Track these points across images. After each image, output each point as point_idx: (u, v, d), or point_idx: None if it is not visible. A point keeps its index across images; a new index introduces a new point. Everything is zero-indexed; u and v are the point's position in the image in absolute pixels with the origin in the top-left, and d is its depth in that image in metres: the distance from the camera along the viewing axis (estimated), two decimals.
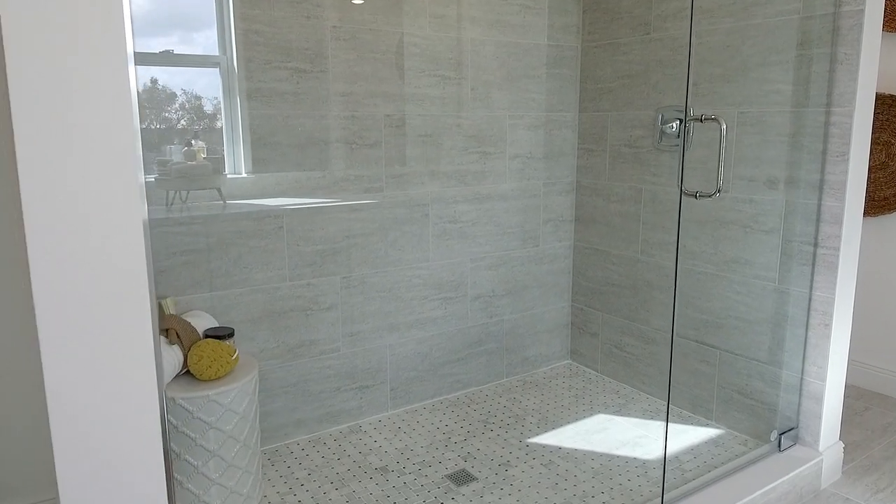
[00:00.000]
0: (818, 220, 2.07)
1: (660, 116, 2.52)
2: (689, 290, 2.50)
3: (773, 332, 2.23)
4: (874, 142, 2.82)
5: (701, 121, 1.82)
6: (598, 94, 2.79)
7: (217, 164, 2.30)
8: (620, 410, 2.62)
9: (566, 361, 3.11)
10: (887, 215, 2.83)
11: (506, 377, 2.90)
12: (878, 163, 2.83)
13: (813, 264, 2.10)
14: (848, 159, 1.98)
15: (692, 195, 1.87)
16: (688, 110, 2.21)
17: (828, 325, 2.08)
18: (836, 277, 2.04)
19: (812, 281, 2.11)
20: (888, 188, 2.80)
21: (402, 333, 2.55)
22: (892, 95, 2.73)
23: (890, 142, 2.78)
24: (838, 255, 2.03)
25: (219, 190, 2.29)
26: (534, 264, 2.90)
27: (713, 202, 2.36)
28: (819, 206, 2.07)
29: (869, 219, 2.89)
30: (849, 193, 2.00)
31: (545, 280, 2.95)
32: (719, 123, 1.74)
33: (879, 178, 2.82)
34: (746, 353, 2.32)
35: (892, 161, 2.78)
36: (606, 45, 2.74)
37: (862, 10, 1.92)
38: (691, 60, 2.16)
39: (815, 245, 2.09)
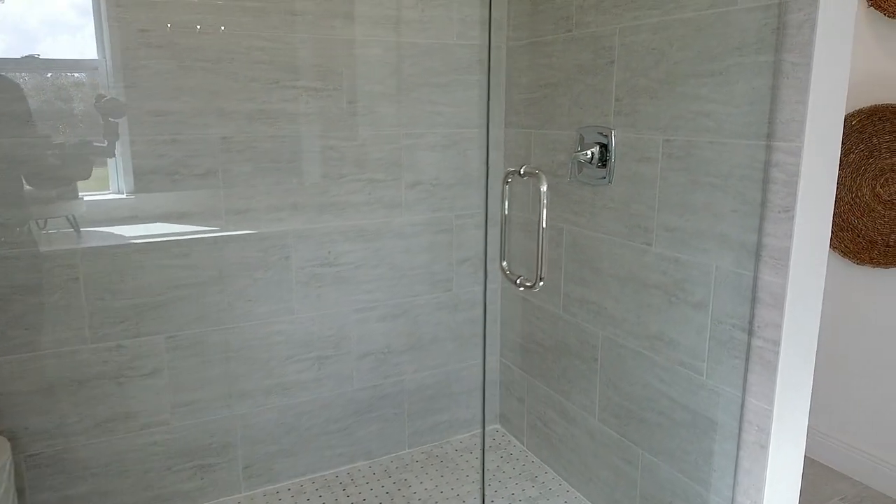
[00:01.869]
0: (753, 300, 1.47)
1: (579, 139, 1.94)
2: (610, 365, 1.93)
3: (699, 440, 1.64)
4: (892, 170, 2.13)
5: (521, 174, 1.26)
6: (523, 106, 2.23)
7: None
8: None
9: (494, 427, 2.58)
10: None
11: (408, 448, 2.41)
12: (894, 197, 2.14)
13: (746, 359, 1.50)
14: (793, 217, 1.37)
15: (513, 281, 1.32)
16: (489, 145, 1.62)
17: (763, 447, 1.48)
18: (774, 382, 1.44)
19: (745, 382, 1.51)
20: None
21: (257, 401, 2.10)
22: None
23: None
24: (778, 352, 1.42)
25: (68, 218, 1.90)
26: (446, 313, 2.38)
27: (636, 255, 1.78)
28: (755, 279, 1.46)
29: (881, 270, 2.20)
30: (795, 266, 1.38)
31: (462, 331, 2.43)
32: (539, 181, 1.18)
33: (895, 216, 2.14)
34: (670, 462, 1.74)
35: None
36: (529, 45, 2.17)
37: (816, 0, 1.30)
38: (492, 76, 1.59)
39: (750, 333, 1.48)
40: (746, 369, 1.50)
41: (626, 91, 1.77)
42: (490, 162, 2.35)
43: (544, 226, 1.19)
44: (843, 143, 2.23)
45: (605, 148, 1.84)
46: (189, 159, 1.88)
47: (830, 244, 2.30)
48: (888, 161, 2.14)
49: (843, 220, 2.27)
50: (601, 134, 1.85)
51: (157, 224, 1.90)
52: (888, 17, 2.06)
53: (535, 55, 2.14)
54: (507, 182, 1.28)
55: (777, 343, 1.42)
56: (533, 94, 2.17)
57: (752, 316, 1.47)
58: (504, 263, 1.35)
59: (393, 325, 2.28)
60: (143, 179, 1.84)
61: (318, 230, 2.09)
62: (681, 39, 1.59)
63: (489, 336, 2.49)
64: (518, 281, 1.27)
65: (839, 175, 2.26)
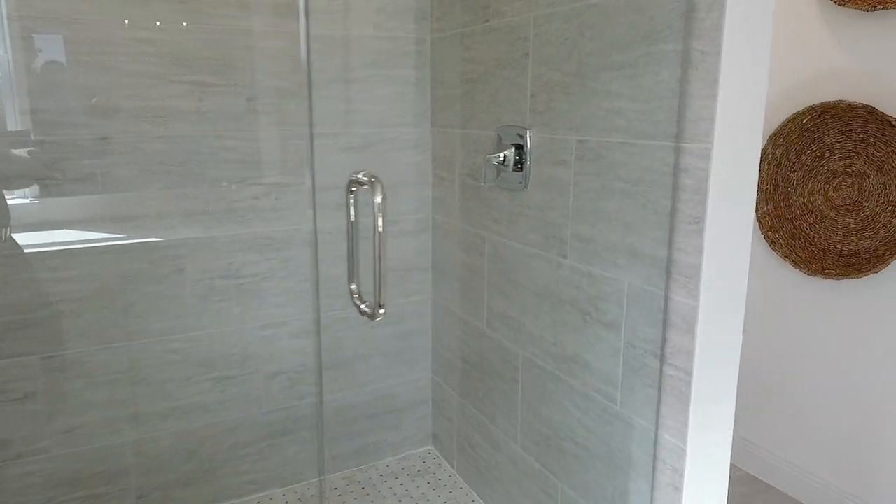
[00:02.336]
0: (665, 322, 1.29)
1: (497, 139, 1.77)
2: (530, 388, 1.75)
3: (614, 476, 1.47)
4: (845, 172, 1.96)
5: (360, 182, 1.09)
6: (447, 103, 2.06)
7: None
8: None
9: (426, 448, 2.40)
10: (857, 279, 1.97)
11: (329, 473, 2.23)
12: (848, 202, 1.96)
13: (659, 388, 1.33)
14: (703, 229, 1.19)
15: (357, 307, 1.15)
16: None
17: (678, 489, 1.30)
18: (686, 416, 1.26)
19: (658, 414, 1.33)
20: (862, 240, 1.93)
21: (151, 426, 1.92)
22: (866, 105, 1.86)
23: (865, 172, 1.92)
24: (690, 383, 1.25)
25: None
26: (371, 328, 2.20)
27: (551, 268, 1.61)
28: (666, 299, 1.29)
29: (832, 282, 2.03)
30: (707, 285, 1.21)
31: (389, 347, 2.25)
32: (373, 191, 1.00)
33: (849, 223, 1.96)
34: (587, 497, 1.57)
35: (868, 200, 1.92)
36: (452, 37, 1.99)
37: None
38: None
39: (661, 360, 1.31)
40: (659, 400, 1.32)
41: (541, 87, 1.59)
42: (413, 163, 2.17)
43: (379, 243, 1.02)
44: (794, 144, 2.06)
45: (521, 149, 1.67)
46: (62, 162, 1.70)
47: (782, 254, 2.13)
48: (840, 163, 1.97)
49: (794, 227, 2.10)
50: (518, 135, 1.68)
51: (31, 234, 1.72)
52: (838, 4, 1.88)
53: (458, 48, 1.96)
54: (352, 191, 1.10)
55: (689, 372, 1.25)
56: (455, 91, 1.99)
57: (664, 340, 1.29)
58: (353, 286, 1.17)
59: (307, 341, 2.10)
60: (13, 184, 1.67)
61: (217, 239, 1.91)
62: (592, 28, 1.42)
63: (421, 350, 2.32)
64: (362, 308, 1.09)
65: (791, 178, 2.09)
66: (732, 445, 2.39)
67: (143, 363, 1.87)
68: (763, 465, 2.29)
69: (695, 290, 1.21)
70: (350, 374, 2.20)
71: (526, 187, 1.67)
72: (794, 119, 2.04)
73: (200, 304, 1.92)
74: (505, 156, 1.66)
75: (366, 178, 1.04)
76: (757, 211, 2.19)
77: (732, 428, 1.32)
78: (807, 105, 2.02)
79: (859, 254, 1.94)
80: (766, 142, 2.13)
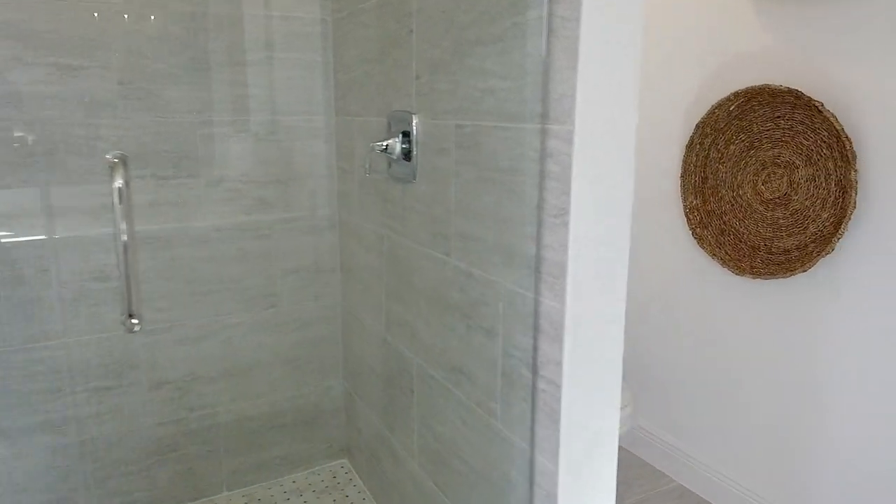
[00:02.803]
0: (535, 329, 1.14)
1: (388, 126, 1.61)
2: (424, 399, 1.60)
3: (497, 500, 1.31)
4: (774, 163, 1.82)
5: (126, 186, 0.93)
6: (348, 88, 1.90)
7: None
8: None
9: (340, 462, 2.24)
10: (785, 278, 1.83)
11: (226, 490, 2.06)
12: (776, 195, 1.82)
13: (533, 403, 1.17)
14: (568, 222, 1.04)
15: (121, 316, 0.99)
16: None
17: None
18: (557, 436, 1.11)
19: (533, 433, 1.18)
20: (791, 236, 1.79)
21: (17, 442, 1.75)
22: (792, 90, 1.72)
23: (794, 163, 1.77)
24: (560, 398, 1.09)
25: None
26: (269, 334, 2.04)
27: (437, 268, 1.45)
28: (536, 302, 1.13)
29: (760, 282, 1.89)
30: (574, 287, 1.05)
31: (295, 354, 2.09)
32: (112, 173, 0.84)
33: (778, 218, 1.82)
34: None
35: (797, 193, 1.78)
36: (350, 15, 1.83)
37: None
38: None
39: (534, 371, 1.16)
40: (533, 418, 1.17)
41: (425, 66, 1.43)
42: (315, 154, 2.01)
43: (123, 240, 0.86)
44: (723, 133, 1.92)
45: (408, 137, 1.51)
46: None
47: (710, 251, 1.98)
48: (769, 153, 1.82)
49: (724, 223, 1.95)
50: (406, 121, 1.52)
51: None
52: None
53: (356, 27, 1.80)
54: (119, 185, 0.93)
55: (559, 387, 1.09)
56: (354, 74, 1.83)
57: (535, 349, 1.14)
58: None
59: (196, 349, 1.93)
60: None
61: (87, 238, 1.74)
62: None
63: (331, 356, 2.15)
64: (129, 322, 0.93)
65: (720, 171, 1.95)
66: (664, 454, 2.25)
67: (4, 374, 1.70)
68: (695, 475, 2.14)
69: (560, 291, 1.06)
70: (246, 383, 2.03)
71: (415, 179, 1.51)
72: (721, 106, 1.89)
73: (70, 308, 1.74)
74: (388, 144, 1.50)
75: (111, 158, 0.87)
76: (685, 206, 2.04)
77: (616, 450, 1.17)
78: (732, 91, 1.88)
79: (789, 251, 1.80)
80: (693, 131, 1.98)
